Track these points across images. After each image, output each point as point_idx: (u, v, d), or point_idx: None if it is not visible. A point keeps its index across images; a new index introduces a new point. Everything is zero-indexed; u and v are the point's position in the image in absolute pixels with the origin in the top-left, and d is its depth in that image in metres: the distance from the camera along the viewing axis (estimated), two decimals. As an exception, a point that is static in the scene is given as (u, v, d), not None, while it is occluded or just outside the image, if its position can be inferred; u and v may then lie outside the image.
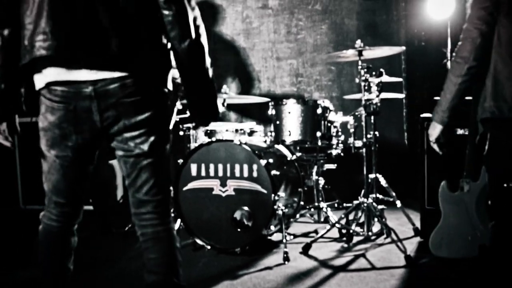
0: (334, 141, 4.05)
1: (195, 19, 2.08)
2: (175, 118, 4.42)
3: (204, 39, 2.12)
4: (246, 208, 3.74)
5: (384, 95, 3.99)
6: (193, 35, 2.06)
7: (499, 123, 2.50)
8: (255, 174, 3.73)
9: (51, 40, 1.91)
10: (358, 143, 3.94)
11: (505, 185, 2.65)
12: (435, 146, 2.92)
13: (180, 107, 4.35)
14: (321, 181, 4.39)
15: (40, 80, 2.03)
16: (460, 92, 2.62)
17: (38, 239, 2.27)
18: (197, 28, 2.09)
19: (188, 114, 4.30)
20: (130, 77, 1.98)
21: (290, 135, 3.95)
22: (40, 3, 1.93)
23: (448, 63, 4.84)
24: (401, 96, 4.68)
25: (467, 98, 2.79)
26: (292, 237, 4.10)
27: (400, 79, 4.80)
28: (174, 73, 4.93)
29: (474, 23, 2.54)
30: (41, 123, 2.10)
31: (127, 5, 1.94)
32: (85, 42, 1.92)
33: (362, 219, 4.03)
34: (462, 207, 3.50)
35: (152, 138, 2.05)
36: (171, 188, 2.19)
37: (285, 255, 3.61)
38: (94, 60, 1.94)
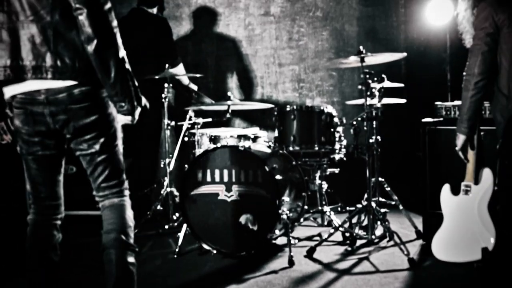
0: (337, 146, 4.05)
1: (106, 21, 2.31)
2: (186, 124, 4.44)
3: (114, 39, 2.34)
4: (251, 212, 3.74)
5: (385, 100, 4.00)
6: (100, 37, 2.28)
7: None
8: (259, 179, 3.73)
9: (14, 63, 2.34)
10: (361, 148, 3.93)
11: None
12: (460, 154, 3.29)
13: (192, 114, 4.36)
14: (324, 185, 4.40)
15: (8, 92, 2.44)
16: (473, 104, 3.03)
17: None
18: (106, 29, 2.31)
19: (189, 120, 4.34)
20: (76, 87, 2.33)
21: (294, 140, 3.96)
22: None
23: (448, 68, 4.85)
24: (403, 101, 4.67)
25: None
26: (296, 241, 4.09)
27: (401, 85, 4.80)
28: (183, 79, 4.89)
29: (476, 43, 2.98)
30: (13, 127, 2.49)
31: (65, 31, 2.31)
32: (38, 63, 2.32)
33: (365, 223, 4.01)
34: (464, 210, 3.50)
35: (102, 139, 2.42)
36: (123, 169, 2.54)
37: (290, 259, 3.61)
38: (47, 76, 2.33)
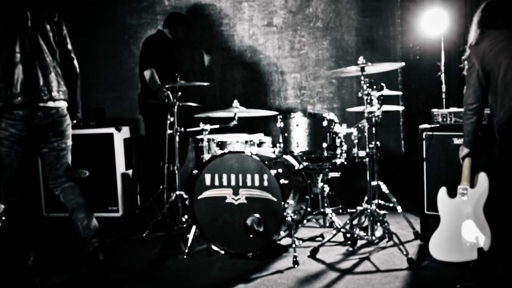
0: (338, 151, 4.06)
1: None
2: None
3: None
4: (257, 215, 3.74)
5: (384, 107, 3.99)
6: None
7: None
8: (265, 183, 3.73)
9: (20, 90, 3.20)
10: (362, 153, 3.94)
11: None
12: (461, 161, 3.55)
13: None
14: (326, 188, 4.40)
15: None
16: (473, 125, 3.34)
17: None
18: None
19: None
20: (60, 107, 3.36)
21: (298, 146, 3.97)
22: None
23: (442, 76, 4.84)
24: (400, 108, 4.68)
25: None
26: (300, 241, 4.08)
27: (400, 93, 4.81)
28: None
29: (467, 78, 3.31)
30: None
31: (55, 67, 3.38)
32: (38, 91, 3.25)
33: (365, 224, 4.01)
34: (460, 212, 3.50)
35: (68, 140, 3.44)
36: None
37: (294, 259, 3.61)
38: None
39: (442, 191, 3.63)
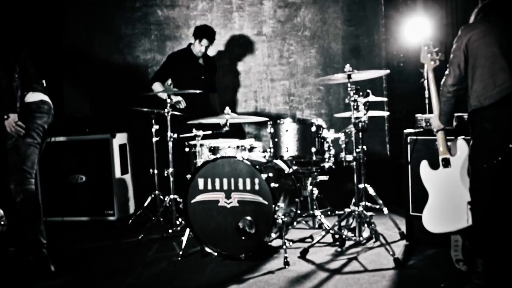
0: (327, 155, 4.05)
1: None
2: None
3: None
4: (249, 217, 3.73)
5: (369, 113, 4.00)
6: None
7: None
8: (257, 187, 3.72)
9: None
10: (349, 157, 3.94)
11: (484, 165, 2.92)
12: (435, 132, 3.46)
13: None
14: (315, 191, 4.39)
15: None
16: (452, 106, 3.23)
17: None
18: None
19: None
20: None
21: (287, 151, 3.96)
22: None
23: (425, 82, 4.86)
24: (385, 114, 4.69)
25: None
26: (290, 243, 4.07)
27: (384, 99, 4.81)
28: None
29: (452, 58, 3.12)
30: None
31: None
32: None
33: (353, 225, 4.01)
34: (446, 182, 3.41)
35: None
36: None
37: (285, 260, 3.60)
38: None
39: (424, 164, 3.54)
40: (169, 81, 4.89)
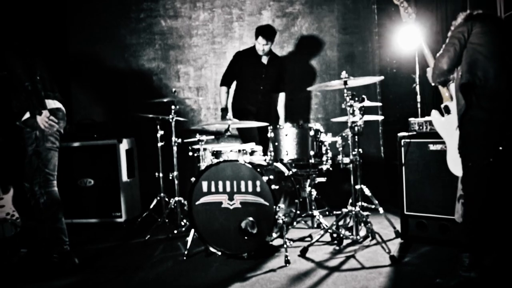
0: (324, 158, 4.08)
1: None
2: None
3: None
4: (251, 218, 3.75)
5: (364, 117, 4.02)
6: None
7: None
8: (258, 189, 3.75)
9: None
10: (346, 160, 3.96)
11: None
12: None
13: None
14: (314, 193, 4.41)
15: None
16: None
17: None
18: None
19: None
20: None
21: (287, 154, 3.99)
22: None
23: (417, 87, 4.90)
24: (380, 118, 4.71)
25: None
26: (291, 242, 4.09)
27: (379, 103, 4.84)
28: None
29: (451, 39, 3.04)
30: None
31: None
32: None
33: (350, 224, 4.03)
34: (451, 126, 3.36)
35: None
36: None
37: (286, 258, 3.63)
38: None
39: (434, 113, 3.51)
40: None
